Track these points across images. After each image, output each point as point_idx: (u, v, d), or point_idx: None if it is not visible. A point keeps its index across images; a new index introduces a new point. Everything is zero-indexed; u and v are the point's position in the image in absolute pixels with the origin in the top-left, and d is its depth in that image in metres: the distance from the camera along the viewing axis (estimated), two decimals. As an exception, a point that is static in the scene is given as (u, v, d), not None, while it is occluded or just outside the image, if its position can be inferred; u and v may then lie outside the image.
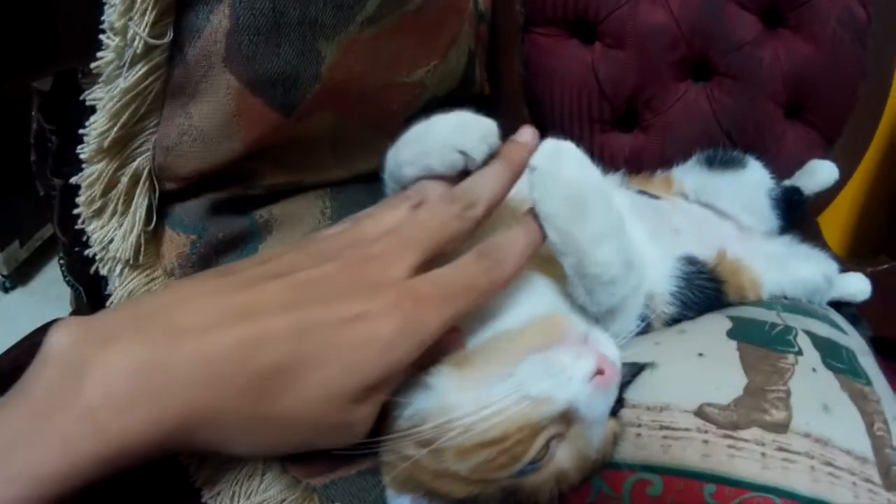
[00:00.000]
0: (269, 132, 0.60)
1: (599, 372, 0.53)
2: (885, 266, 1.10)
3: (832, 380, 0.74)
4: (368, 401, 0.46)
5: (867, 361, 0.82)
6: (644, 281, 0.75)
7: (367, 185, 0.75)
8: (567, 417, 0.55)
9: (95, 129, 0.54)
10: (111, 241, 0.58)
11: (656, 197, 0.99)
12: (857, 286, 1.00)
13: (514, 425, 0.51)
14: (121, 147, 0.56)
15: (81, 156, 0.55)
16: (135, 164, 0.57)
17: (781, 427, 0.68)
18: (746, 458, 0.65)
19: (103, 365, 0.37)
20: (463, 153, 0.57)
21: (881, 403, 0.76)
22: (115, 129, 0.54)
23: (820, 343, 0.80)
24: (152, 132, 0.56)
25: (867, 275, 1.02)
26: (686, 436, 0.66)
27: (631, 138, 1.20)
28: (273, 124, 0.60)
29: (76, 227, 0.58)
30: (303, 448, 0.48)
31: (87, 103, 0.53)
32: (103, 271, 0.59)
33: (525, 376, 0.54)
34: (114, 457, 0.37)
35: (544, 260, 0.62)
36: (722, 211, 0.99)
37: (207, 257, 0.64)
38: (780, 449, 0.66)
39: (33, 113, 0.69)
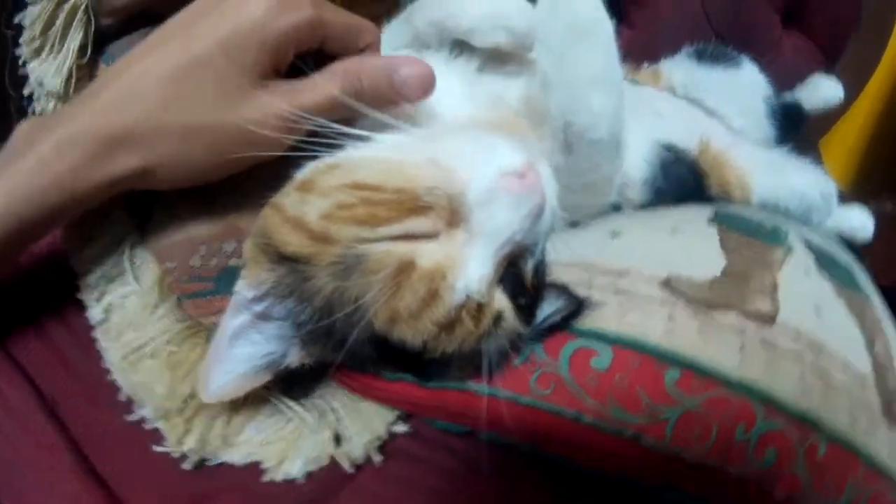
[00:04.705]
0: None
1: (523, 178, 0.43)
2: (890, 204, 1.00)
3: (826, 284, 0.60)
4: (263, 91, 0.47)
5: (866, 281, 0.67)
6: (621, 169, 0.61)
7: None
8: (454, 210, 0.43)
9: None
10: (46, 76, 0.59)
11: (639, 84, 0.86)
12: (858, 220, 0.88)
13: (397, 178, 0.43)
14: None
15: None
16: (72, 1, 0.57)
17: (766, 318, 0.53)
18: (721, 344, 0.49)
19: (57, 131, 0.46)
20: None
21: (883, 323, 0.61)
22: None
23: (815, 249, 0.65)
24: None
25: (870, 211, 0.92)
26: (647, 306, 0.50)
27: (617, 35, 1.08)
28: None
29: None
30: (216, 163, 0.49)
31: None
32: (38, 108, 0.60)
33: (448, 143, 0.46)
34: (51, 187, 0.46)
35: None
36: (711, 109, 0.86)
37: None
38: (764, 342, 0.51)
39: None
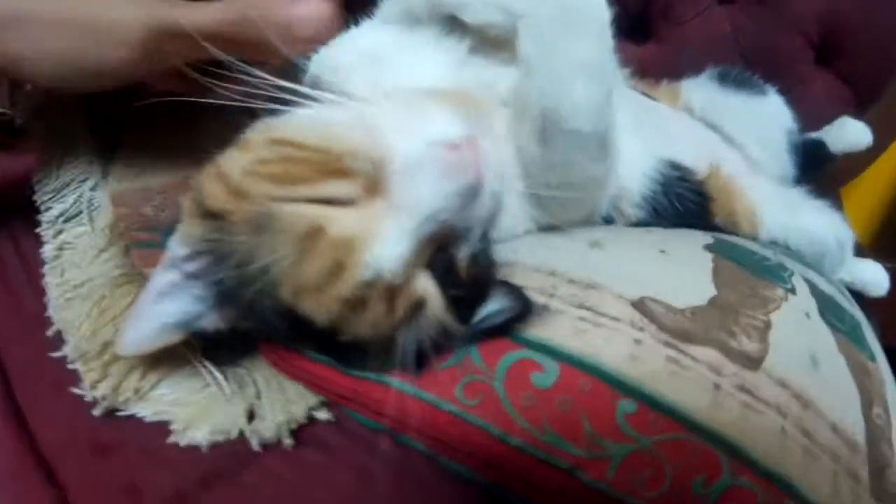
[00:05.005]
0: None
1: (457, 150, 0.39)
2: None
3: (828, 335, 0.54)
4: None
5: (873, 339, 0.60)
6: (613, 176, 0.57)
7: None
8: (376, 177, 0.39)
9: None
10: None
11: (654, 100, 0.81)
12: (873, 274, 0.84)
13: (320, 138, 0.40)
14: None
15: None
16: None
17: (751, 361, 0.47)
18: (691, 382, 0.43)
19: None
20: None
21: (885, 386, 0.55)
22: None
23: (821, 295, 0.59)
24: None
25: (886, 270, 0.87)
26: (612, 326, 0.44)
27: (641, 49, 1.04)
28: None
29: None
30: (82, 65, 0.48)
31: None
32: None
33: (384, 107, 0.43)
34: None
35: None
36: (730, 137, 0.80)
37: None
38: (742, 388, 0.45)
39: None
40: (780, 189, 0.77)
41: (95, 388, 0.48)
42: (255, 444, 0.46)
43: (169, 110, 0.50)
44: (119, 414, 0.48)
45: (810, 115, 0.88)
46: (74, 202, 0.57)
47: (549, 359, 0.41)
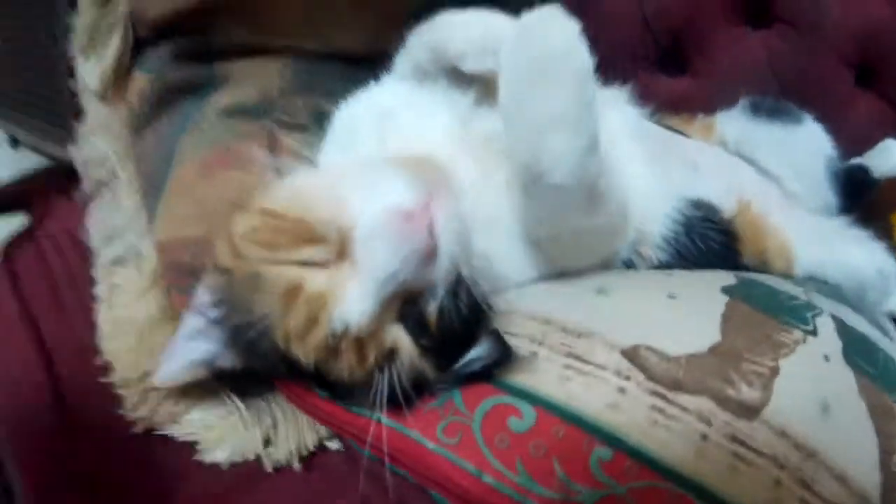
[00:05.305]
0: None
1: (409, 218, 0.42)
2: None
3: (849, 378, 0.52)
4: None
5: (912, 382, 0.57)
6: (624, 222, 0.58)
7: (343, 65, 0.73)
8: (343, 242, 0.44)
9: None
10: (88, 76, 0.68)
11: (684, 135, 0.79)
12: None
13: (293, 206, 0.46)
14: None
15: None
16: (115, 13, 0.66)
17: (747, 411, 0.47)
18: (675, 434, 0.44)
19: None
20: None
21: None
22: None
23: (848, 334, 0.57)
24: None
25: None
26: (596, 374, 0.46)
27: (677, 82, 1.03)
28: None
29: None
30: None
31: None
32: (83, 104, 0.70)
33: (353, 176, 0.47)
34: None
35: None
36: (765, 169, 0.78)
37: (164, 97, 0.68)
38: (733, 439, 0.45)
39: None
40: (818, 221, 0.75)
41: (136, 410, 0.56)
42: (268, 466, 0.53)
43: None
44: (156, 433, 0.56)
45: (852, 139, 0.85)
46: (124, 249, 0.65)
47: (527, 405, 0.44)
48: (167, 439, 0.56)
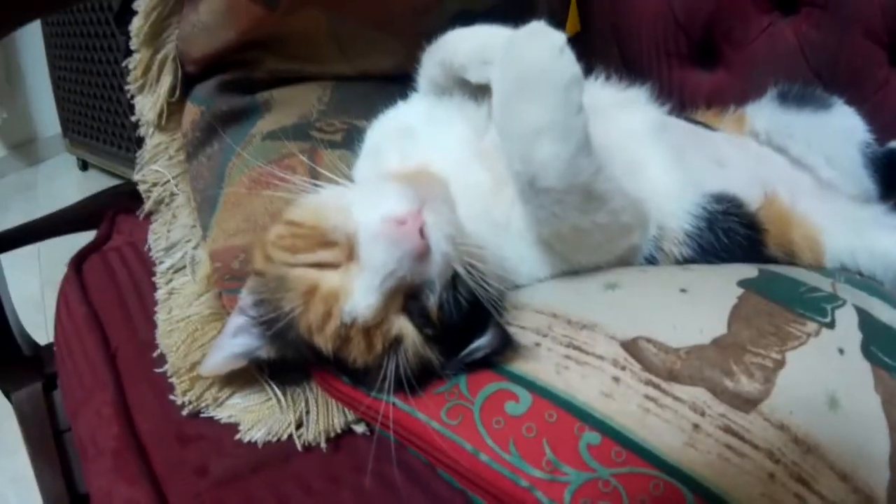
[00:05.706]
0: (255, 24, 0.73)
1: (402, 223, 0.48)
2: None
3: (865, 372, 0.51)
4: None
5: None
6: (634, 220, 0.59)
7: (377, 85, 0.82)
8: (351, 246, 0.49)
9: (135, 27, 0.74)
10: (146, 108, 0.78)
11: (711, 129, 0.79)
12: None
13: (311, 217, 0.52)
14: (152, 39, 0.75)
15: (131, 46, 0.75)
16: (163, 52, 0.75)
17: (745, 402, 0.47)
18: (666, 423, 0.45)
19: None
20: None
21: None
22: (147, 26, 0.73)
23: (872, 326, 0.56)
24: (175, 27, 0.75)
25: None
26: (594, 364, 0.48)
27: (711, 76, 1.01)
28: (258, 17, 0.73)
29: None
30: None
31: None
32: (141, 133, 0.80)
33: (360, 191, 0.54)
34: None
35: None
36: (797, 158, 0.76)
37: (214, 125, 0.76)
38: (727, 430, 0.46)
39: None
40: (853, 210, 0.72)
41: (185, 395, 0.63)
42: (298, 446, 0.59)
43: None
44: (201, 416, 0.63)
45: (891, 121, 0.80)
46: (181, 258, 0.75)
47: (524, 390, 0.47)
48: (211, 420, 0.63)
